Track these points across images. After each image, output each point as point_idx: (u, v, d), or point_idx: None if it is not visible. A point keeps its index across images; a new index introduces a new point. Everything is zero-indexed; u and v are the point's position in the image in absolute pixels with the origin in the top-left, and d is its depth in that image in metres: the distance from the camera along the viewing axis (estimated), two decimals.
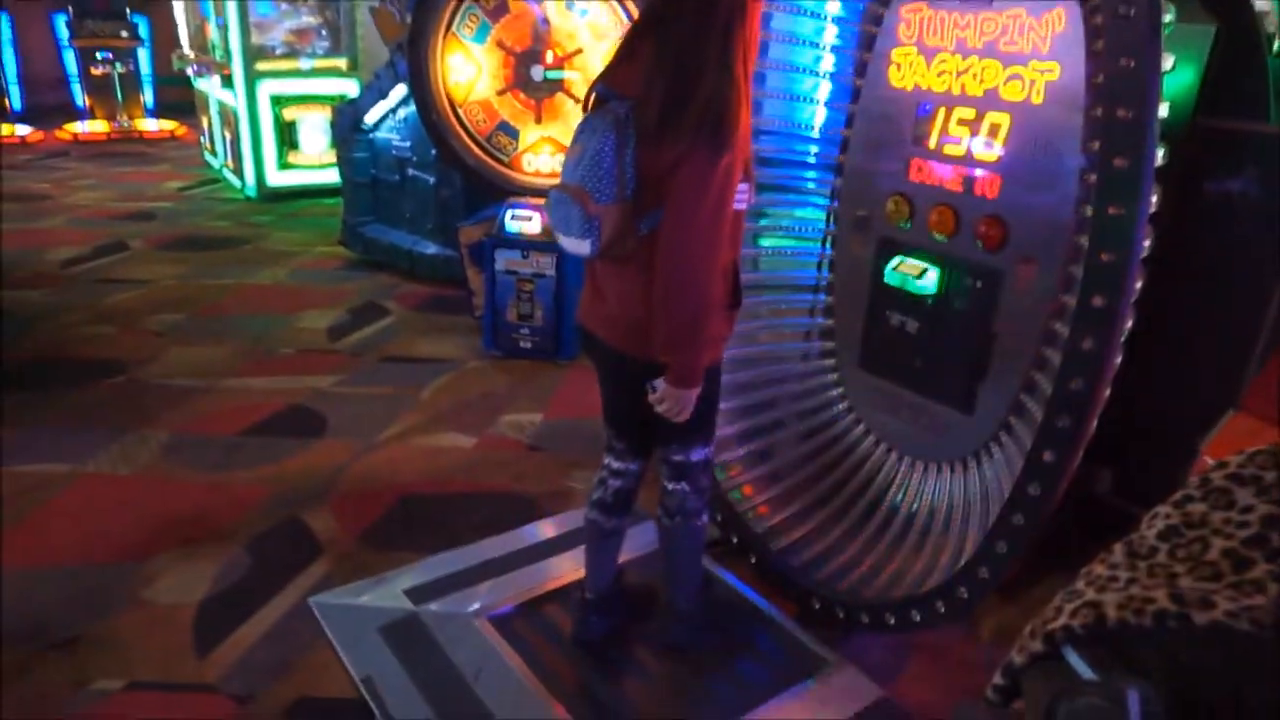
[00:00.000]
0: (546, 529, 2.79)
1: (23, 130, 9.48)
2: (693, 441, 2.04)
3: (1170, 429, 2.30)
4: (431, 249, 5.12)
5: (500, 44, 3.87)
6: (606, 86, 1.79)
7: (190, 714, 2.04)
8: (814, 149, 2.69)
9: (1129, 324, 1.76)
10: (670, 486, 2.10)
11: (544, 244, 3.88)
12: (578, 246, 1.79)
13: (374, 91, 5.06)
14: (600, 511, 2.18)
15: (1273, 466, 0.98)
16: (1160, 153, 1.65)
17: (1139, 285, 1.73)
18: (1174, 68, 1.73)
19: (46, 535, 2.68)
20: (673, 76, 1.65)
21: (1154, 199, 1.66)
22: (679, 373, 1.78)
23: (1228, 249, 2.21)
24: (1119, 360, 1.79)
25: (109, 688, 2.10)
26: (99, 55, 9.68)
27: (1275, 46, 2.19)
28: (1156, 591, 0.87)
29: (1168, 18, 1.61)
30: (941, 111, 2.26)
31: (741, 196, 1.79)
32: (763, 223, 2.78)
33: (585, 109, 1.83)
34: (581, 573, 2.29)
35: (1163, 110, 1.65)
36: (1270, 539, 0.91)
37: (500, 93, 3.94)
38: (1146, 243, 1.69)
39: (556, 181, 1.83)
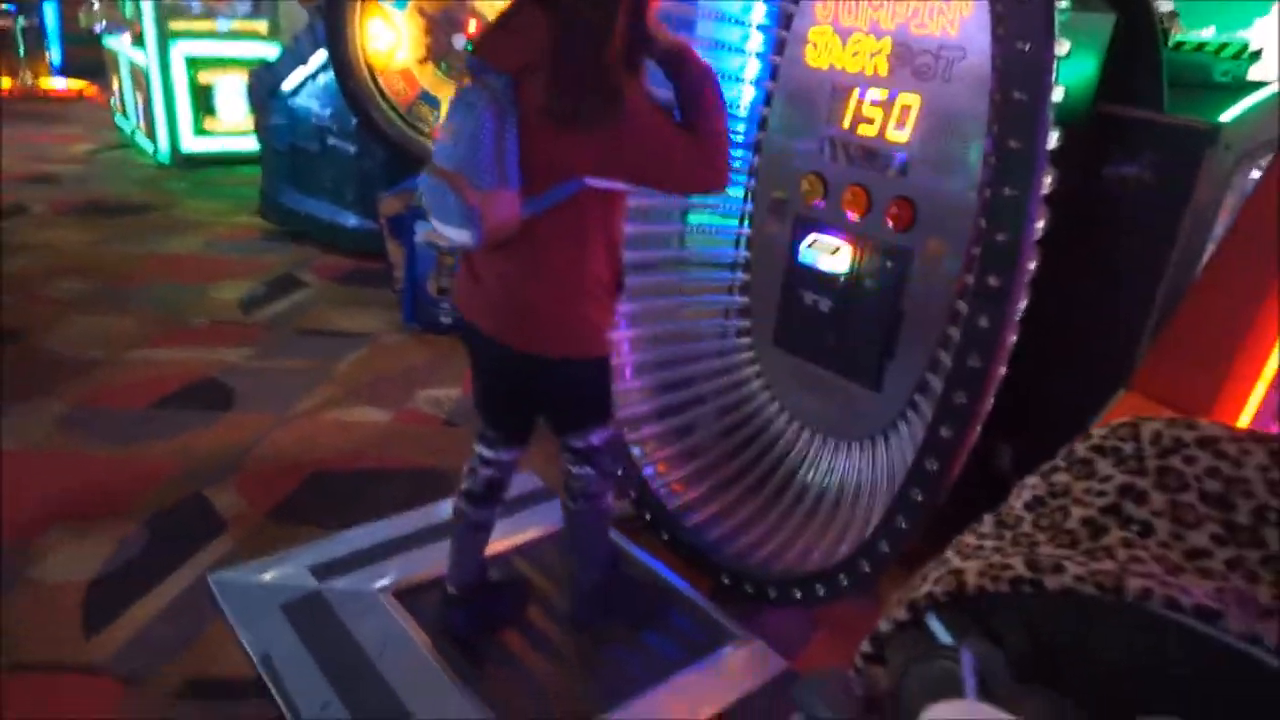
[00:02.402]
0: None
1: None
2: (589, 426, 2.00)
3: (1066, 407, 2.37)
4: (352, 220, 4.98)
5: (421, 10, 3.77)
6: (481, 60, 1.66)
7: (73, 696, 1.96)
8: (741, 127, 2.68)
9: (1024, 303, 1.80)
10: (574, 470, 2.06)
11: None
12: (459, 236, 1.66)
13: (293, 56, 4.88)
14: (469, 502, 2.11)
15: (1131, 438, 1.01)
16: (1055, 136, 1.69)
17: (1034, 265, 1.78)
18: (1070, 54, 1.76)
19: None
20: (576, 55, 1.57)
21: (1047, 180, 1.70)
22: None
23: (1123, 232, 2.29)
24: (1014, 338, 1.84)
25: None
26: (1, 8, 9.15)
27: (1169, 40, 2.26)
28: (1014, 559, 0.89)
29: (1063, 3, 1.64)
30: (855, 92, 2.28)
31: None
32: (692, 199, 2.77)
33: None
34: (493, 548, 2.27)
35: (1058, 94, 1.69)
36: (1123, 507, 0.94)
37: (421, 61, 3.84)
38: (1040, 223, 1.73)
39: None
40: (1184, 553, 0.88)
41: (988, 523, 1.03)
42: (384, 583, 2.34)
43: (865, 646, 0.96)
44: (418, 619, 2.22)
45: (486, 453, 2.08)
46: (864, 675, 0.87)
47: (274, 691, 1.97)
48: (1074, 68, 1.97)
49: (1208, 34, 2.69)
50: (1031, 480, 1.06)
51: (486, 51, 1.68)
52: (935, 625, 0.89)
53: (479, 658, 2.13)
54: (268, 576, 2.35)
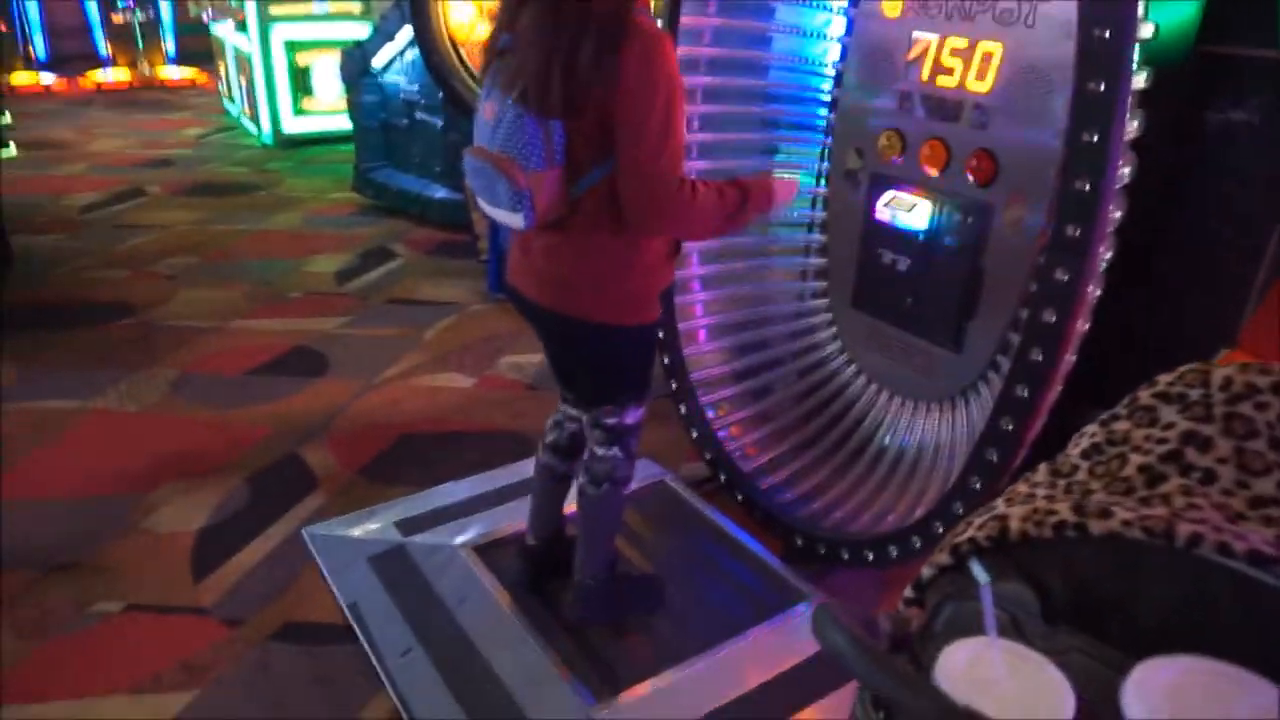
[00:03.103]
0: None
1: (47, 79, 9.55)
2: (627, 402, 1.93)
3: (1165, 367, 2.25)
4: (441, 193, 5.11)
5: None
6: (512, 36, 1.59)
7: (183, 636, 2.11)
8: (827, 85, 2.62)
9: (1107, 254, 1.72)
10: (601, 452, 1.98)
11: None
12: (509, 219, 1.64)
13: (381, 34, 5.02)
14: (553, 454, 2.13)
15: (1200, 384, 0.97)
16: (1142, 76, 1.59)
17: (1119, 215, 1.69)
18: None
19: (53, 468, 2.77)
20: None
21: (1133, 125, 1.61)
22: (748, 213, 1.77)
23: (1229, 179, 2.14)
24: (1097, 293, 1.75)
25: (108, 609, 2.19)
26: (119, 3, 9.69)
27: None
28: (1060, 505, 0.86)
29: None
30: (934, 42, 2.20)
31: None
32: (778, 158, 2.73)
33: (489, 62, 1.67)
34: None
35: (1147, 31, 1.59)
36: (1185, 454, 0.90)
37: None
38: (1125, 170, 1.64)
39: None
40: (1248, 500, 0.84)
41: (1042, 471, 1.00)
42: (465, 538, 2.42)
43: (908, 591, 0.95)
44: (496, 573, 2.29)
45: (570, 410, 2.10)
46: (898, 616, 0.86)
47: (360, 637, 2.07)
48: (1172, 6, 1.85)
49: None
50: (1091, 428, 1.02)
51: (515, 26, 1.60)
52: (977, 570, 0.87)
53: (554, 610, 2.18)
54: (357, 531, 2.47)
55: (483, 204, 1.72)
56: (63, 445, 2.89)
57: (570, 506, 2.21)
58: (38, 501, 2.59)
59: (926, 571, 0.94)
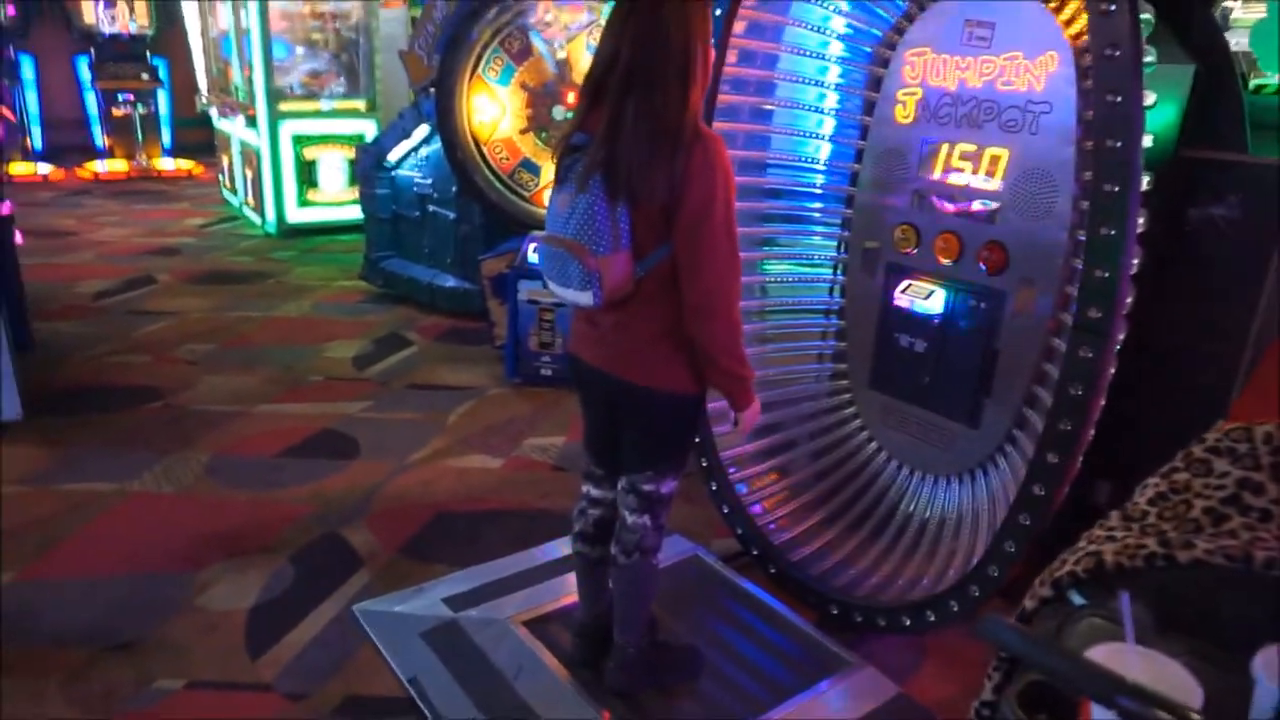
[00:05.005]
0: None
1: (44, 169, 9.74)
2: (666, 471, 2.05)
3: (1164, 441, 2.43)
4: (451, 282, 5.29)
5: (524, 85, 4.09)
6: (587, 135, 1.80)
7: (248, 711, 2.16)
8: (820, 179, 2.86)
9: (1122, 335, 1.91)
10: (631, 520, 2.07)
11: None
12: (579, 298, 1.83)
13: (397, 131, 5.27)
14: (584, 543, 2.21)
15: (1245, 440, 1.14)
16: (1145, 179, 1.82)
17: (1130, 300, 1.89)
18: (1156, 104, 1.90)
19: (97, 548, 2.82)
20: (639, 120, 1.73)
21: (1141, 220, 1.83)
22: (742, 396, 1.96)
23: (1213, 270, 2.38)
24: (1113, 370, 1.94)
25: (170, 687, 2.23)
26: (120, 97, 9.97)
27: (1250, 84, 2.37)
28: (1147, 540, 1.02)
29: (1149, 58, 1.79)
30: (945, 146, 2.44)
31: None
32: (770, 249, 2.94)
33: (563, 157, 1.86)
34: None
35: (1146, 141, 1.82)
36: (1243, 497, 1.06)
37: (523, 132, 4.15)
38: (1136, 260, 1.85)
39: None
40: None
41: (1114, 518, 1.15)
42: (513, 612, 2.50)
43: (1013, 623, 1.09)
44: (547, 644, 2.37)
45: (594, 492, 2.20)
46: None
47: (424, 709, 2.14)
48: (1157, 116, 2.10)
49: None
50: (1153, 480, 1.18)
51: (588, 125, 1.81)
52: (1077, 600, 1.02)
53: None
54: (406, 608, 2.54)
55: (552, 285, 1.91)
56: (105, 526, 2.94)
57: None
58: (87, 580, 2.63)
59: (1029, 604, 1.08)
